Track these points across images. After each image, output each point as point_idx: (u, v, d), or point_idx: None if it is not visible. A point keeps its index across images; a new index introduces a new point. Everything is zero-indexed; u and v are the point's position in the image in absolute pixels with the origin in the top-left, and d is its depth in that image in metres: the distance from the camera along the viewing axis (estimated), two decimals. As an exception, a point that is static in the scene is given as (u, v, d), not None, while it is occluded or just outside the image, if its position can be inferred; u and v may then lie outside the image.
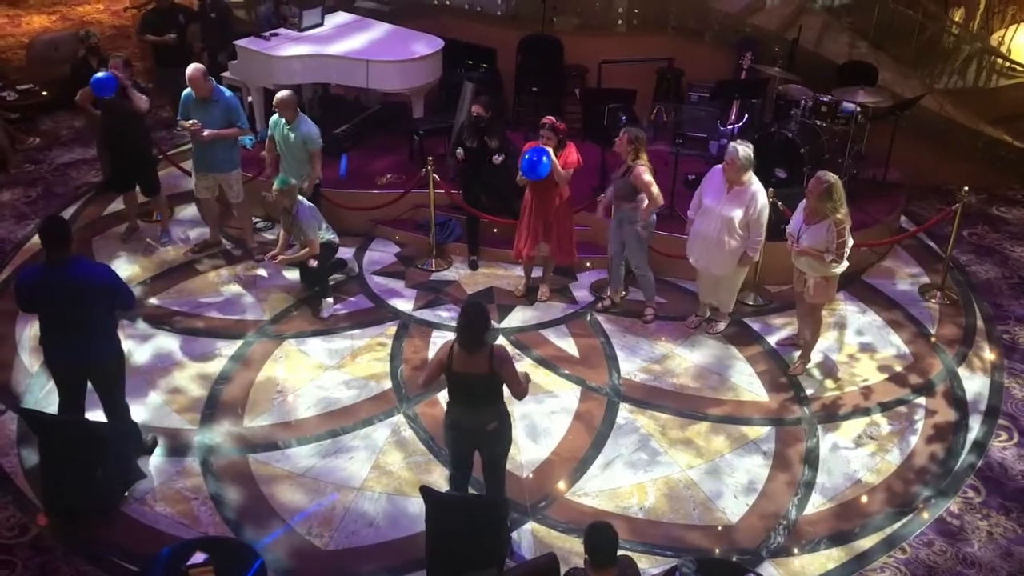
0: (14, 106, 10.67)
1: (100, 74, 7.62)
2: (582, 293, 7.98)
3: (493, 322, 7.45)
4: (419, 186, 8.15)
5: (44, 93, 10.98)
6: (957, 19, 11.06)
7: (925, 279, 8.31)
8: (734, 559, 5.44)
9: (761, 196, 6.75)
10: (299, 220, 7.31)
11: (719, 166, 6.85)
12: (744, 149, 6.62)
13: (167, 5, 10.05)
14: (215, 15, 10.13)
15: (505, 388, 5.08)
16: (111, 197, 9.11)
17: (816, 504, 5.88)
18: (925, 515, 5.82)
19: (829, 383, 6.97)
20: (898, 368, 7.14)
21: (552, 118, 7.17)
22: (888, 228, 8.65)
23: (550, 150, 7.04)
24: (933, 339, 7.50)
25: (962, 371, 7.12)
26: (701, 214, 6.96)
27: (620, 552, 4.69)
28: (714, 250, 6.93)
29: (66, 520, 5.55)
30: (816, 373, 7.06)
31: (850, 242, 6.48)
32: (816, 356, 7.15)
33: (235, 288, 7.92)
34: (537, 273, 7.87)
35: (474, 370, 4.94)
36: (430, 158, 7.99)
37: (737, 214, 6.72)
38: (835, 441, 6.40)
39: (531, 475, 6.05)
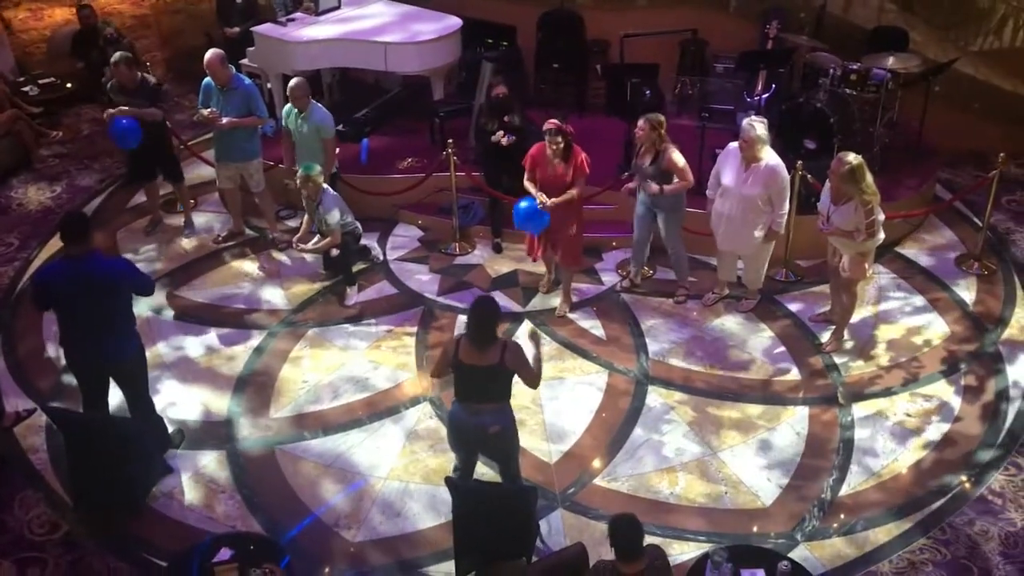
0: (37, 101, 10.69)
1: (123, 122, 7.60)
2: (609, 276, 7.84)
3: (518, 306, 7.38)
4: (440, 169, 8.06)
5: (68, 86, 10.98)
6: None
7: (962, 249, 8.08)
8: (768, 543, 5.32)
9: (781, 169, 6.61)
10: (321, 208, 7.25)
11: (734, 144, 6.70)
12: (760, 125, 6.52)
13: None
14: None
15: (518, 382, 5.00)
16: (135, 190, 9.10)
17: (852, 485, 5.74)
18: (965, 494, 5.66)
19: (864, 360, 6.79)
20: (935, 342, 6.95)
21: (556, 121, 6.80)
22: (923, 197, 8.42)
23: (548, 204, 6.75)
24: (971, 310, 7.29)
25: (1001, 343, 6.91)
26: (721, 194, 6.83)
27: (650, 540, 4.62)
28: (739, 230, 6.80)
29: (95, 516, 5.56)
30: (850, 349, 6.88)
31: (881, 217, 6.28)
32: (850, 332, 6.97)
33: (259, 278, 7.89)
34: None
35: (482, 362, 4.86)
36: (450, 140, 7.87)
37: (758, 192, 6.60)
38: (871, 419, 6.25)
39: (559, 461, 5.96)
